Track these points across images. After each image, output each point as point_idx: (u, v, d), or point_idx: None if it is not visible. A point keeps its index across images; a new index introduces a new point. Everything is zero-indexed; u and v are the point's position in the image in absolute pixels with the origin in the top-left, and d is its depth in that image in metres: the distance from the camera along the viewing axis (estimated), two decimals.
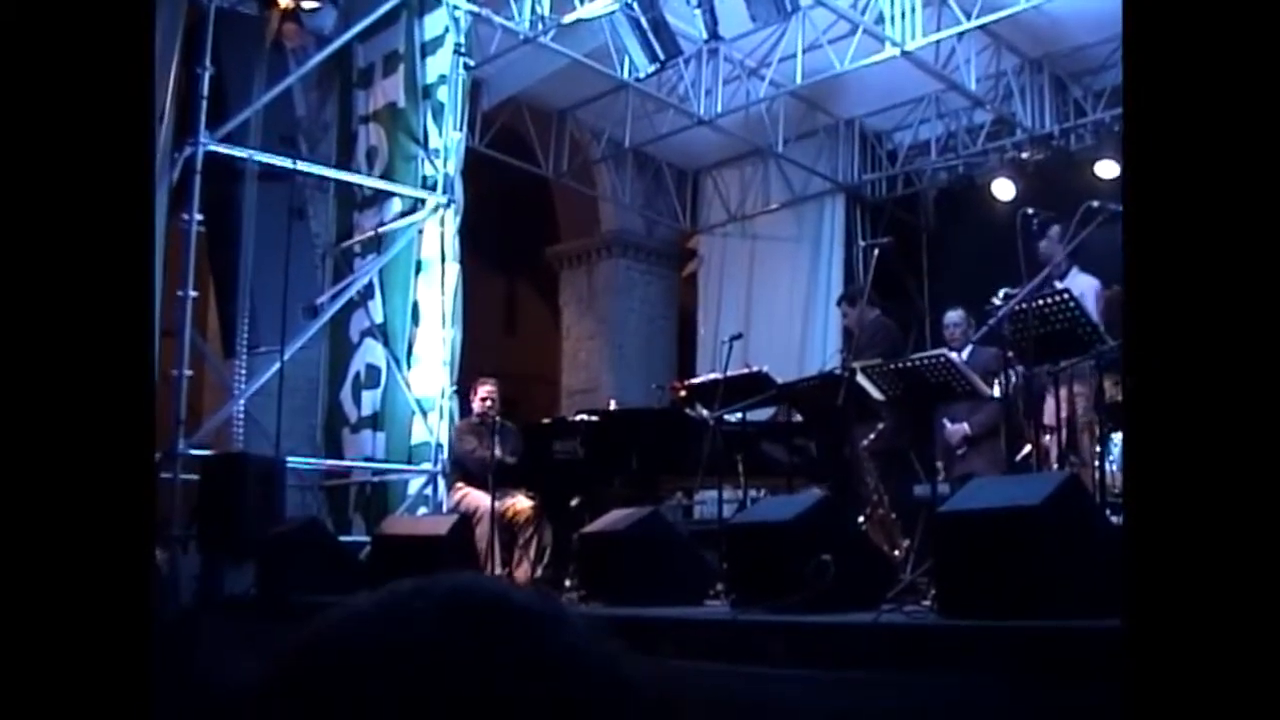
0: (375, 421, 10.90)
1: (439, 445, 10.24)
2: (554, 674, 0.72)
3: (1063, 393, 7.02)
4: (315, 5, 10.15)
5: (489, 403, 9.78)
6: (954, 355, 7.05)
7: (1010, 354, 6.73)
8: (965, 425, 8.29)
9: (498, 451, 9.27)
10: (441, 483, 10.14)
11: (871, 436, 8.07)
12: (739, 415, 8.12)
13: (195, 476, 8.79)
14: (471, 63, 10.99)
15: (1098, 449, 6.76)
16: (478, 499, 9.34)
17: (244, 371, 9.79)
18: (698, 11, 10.39)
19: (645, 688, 0.77)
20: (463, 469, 9.96)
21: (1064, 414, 7.15)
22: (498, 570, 8.73)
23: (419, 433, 10.43)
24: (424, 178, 10.69)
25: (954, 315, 8.80)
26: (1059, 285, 6.39)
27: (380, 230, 10.99)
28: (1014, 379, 7.14)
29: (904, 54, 11.18)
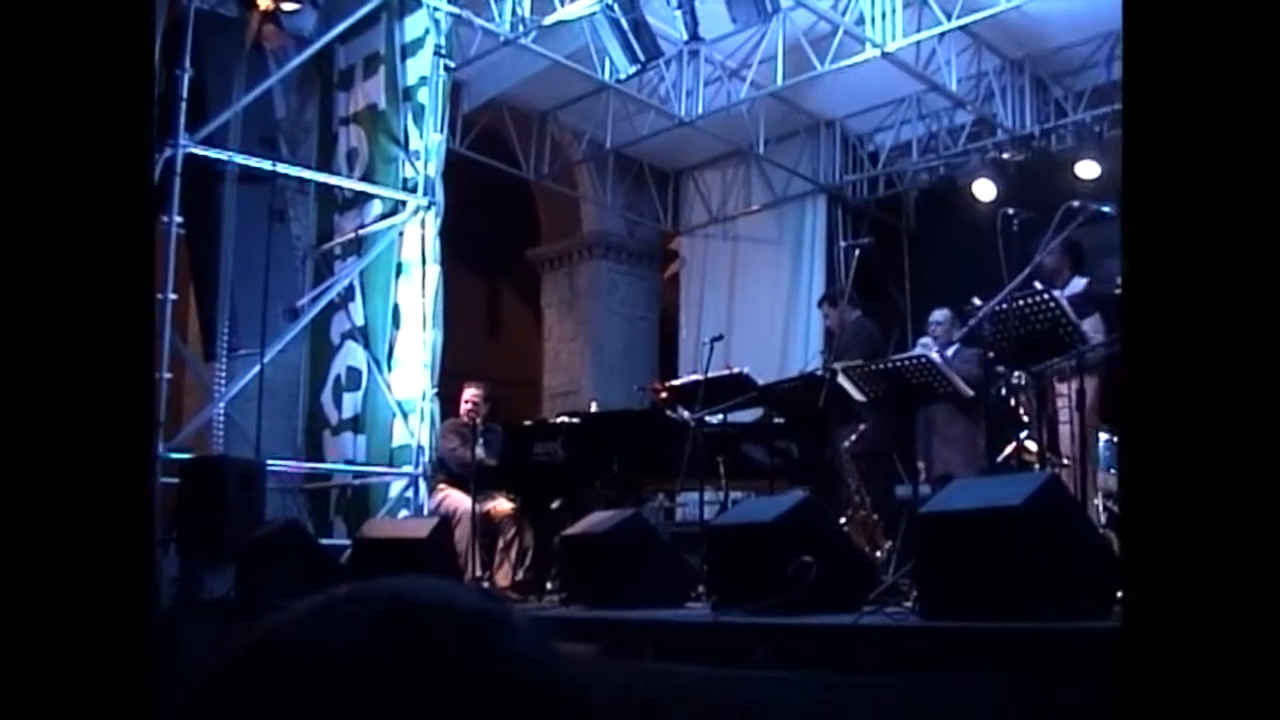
0: (356, 424, 10.86)
1: (420, 448, 10.21)
2: (491, 677, 0.71)
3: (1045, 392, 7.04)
4: (295, 7, 10.12)
5: (472, 405, 9.77)
6: (935, 355, 7.05)
7: (991, 354, 6.74)
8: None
9: (480, 453, 9.27)
10: (423, 485, 10.11)
11: (853, 438, 8.08)
12: (720, 417, 8.12)
13: (175, 480, 8.74)
14: (452, 64, 10.96)
15: (1078, 449, 6.76)
16: (458, 500, 9.33)
17: (224, 374, 9.75)
18: (678, 13, 10.38)
19: (587, 690, 0.76)
20: (446, 468, 9.95)
21: (1045, 414, 7.17)
22: (478, 572, 8.71)
23: (400, 435, 10.39)
24: (405, 180, 10.66)
25: (939, 314, 8.81)
26: (1059, 294, 6.38)
27: (361, 232, 10.95)
28: (1000, 379, 7.15)
29: (884, 55, 11.20)
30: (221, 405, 9.64)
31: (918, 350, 8.16)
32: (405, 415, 10.35)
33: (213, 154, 9.38)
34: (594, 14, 10.53)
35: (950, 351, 8.18)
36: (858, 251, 8.82)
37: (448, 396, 10.31)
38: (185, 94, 9.12)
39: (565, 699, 0.74)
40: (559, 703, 0.74)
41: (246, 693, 0.71)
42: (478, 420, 9.59)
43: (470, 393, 9.90)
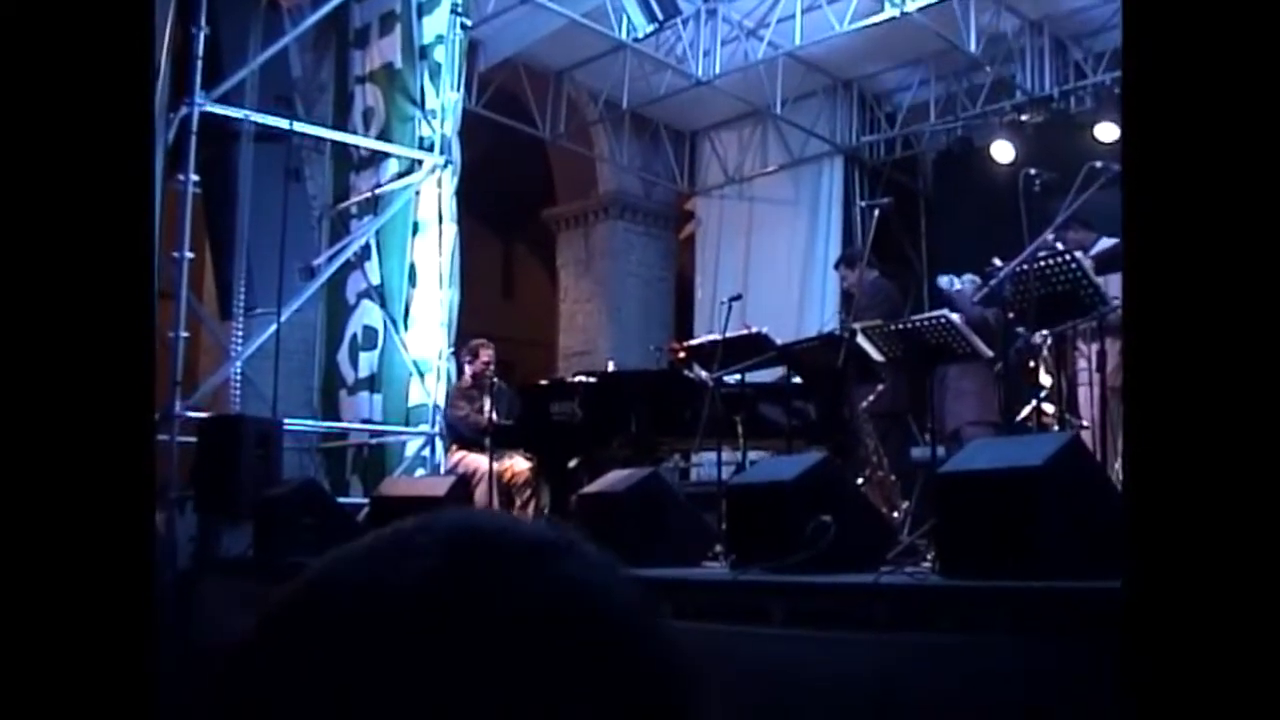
0: (372, 383, 10.87)
1: (436, 407, 10.23)
2: (555, 602, 0.71)
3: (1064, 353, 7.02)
4: None
5: (488, 365, 9.80)
6: (955, 316, 7.03)
7: (1011, 315, 6.71)
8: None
9: (494, 416, 9.28)
10: (439, 444, 10.14)
11: (871, 398, 8.06)
12: (738, 377, 8.11)
13: (192, 439, 8.78)
14: (469, 23, 10.93)
15: (1099, 411, 6.74)
16: (476, 461, 9.35)
17: (241, 333, 9.76)
18: None
19: (647, 616, 0.76)
20: (456, 434, 9.97)
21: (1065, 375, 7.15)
22: None
23: (416, 394, 10.41)
24: (421, 139, 10.64)
25: (945, 280, 8.75)
26: (1080, 255, 6.34)
27: (377, 191, 10.94)
28: (1017, 340, 7.13)
29: (903, 15, 11.13)
30: (238, 364, 9.65)
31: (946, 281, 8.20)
32: (421, 374, 10.36)
33: (229, 112, 9.36)
34: None
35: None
36: (876, 211, 8.78)
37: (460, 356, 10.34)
38: (201, 52, 9.09)
39: (630, 625, 0.74)
40: (622, 628, 0.73)
41: (304, 634, 0.71)
42: (493, 379, 9.62)
43: (485, 354, 9.94)
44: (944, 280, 8.49)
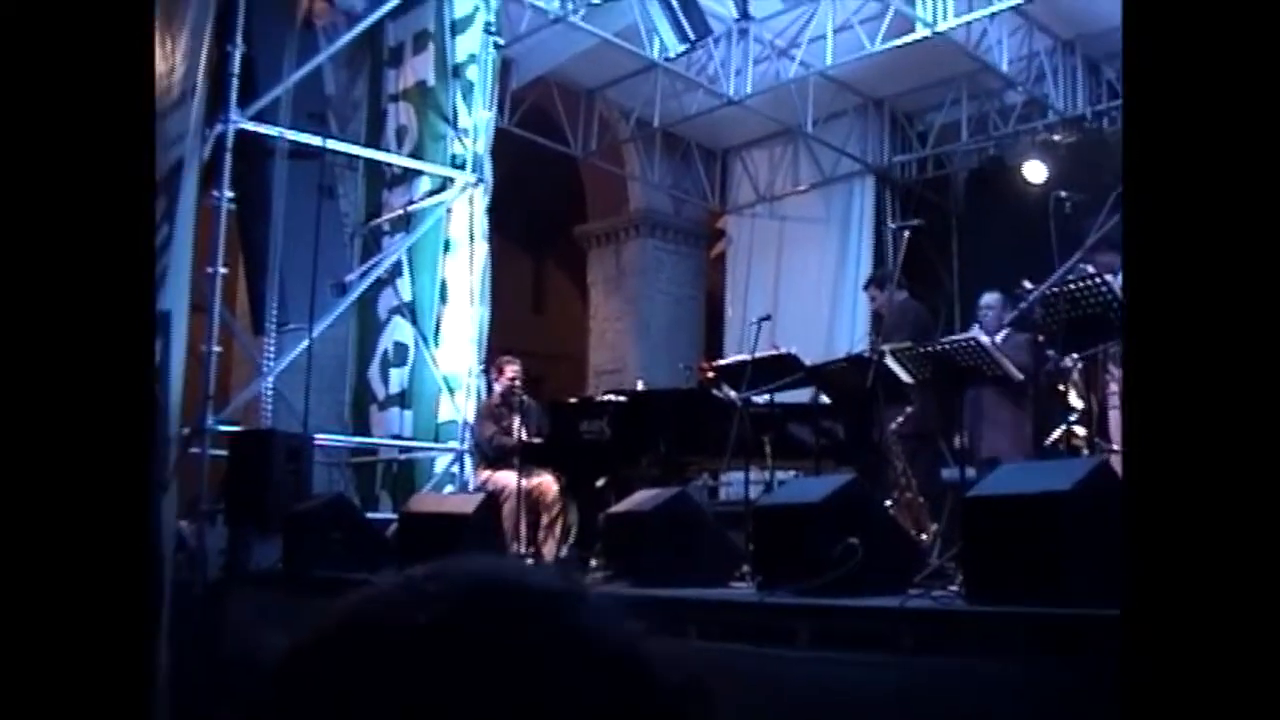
0: (403, 399, 10.92)
1: (466, 424, 10.26)
2: (570, 655, 0.72)
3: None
4: None
5: (515, 382, 9.83)
6: (984, 338, 7.02)
7: (1041, 338, 6.70)
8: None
9: (522, 433, 9.30)
10: (468, 461, 10.17)
11: (900, 419, 8.05)
12: (767, 396, 8.11)
13: (223, 452, 8.83)
14: (501, 42, 10.98)
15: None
16: (505, 479, 9.36)
17: (273, 348, 9.80)
18: None
19: (665, 668, 0.77)
20: (482, 454, 10.00)
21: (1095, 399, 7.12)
22: (522, 550, 8.74)
23: (446, 411, 10.44)
24: (453, 156, 10.69)
25: (990, 297, 8.75)
26: (1111, 278, 6.31)
27: (409, 209, 10.99)
28: (1050, 363, 7.10)
29: (935, 35, 11.13)
30: (270, 379, 9.70)
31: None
32: (451, 391, 10.40)
33: (264, 130, 9.41)
34: None
35: (1000, 336, 8.14)
36: (906, 233, 8.77)
37: (487, 372, 10.38)
38: (237, 71, 9.17)
39: (641, 675, 0.75)
40: (639, 683, 0.75)
41: (332, 672, 0.73)
42: (519, 395, 9.64)
43: (511, 369, 9.98)
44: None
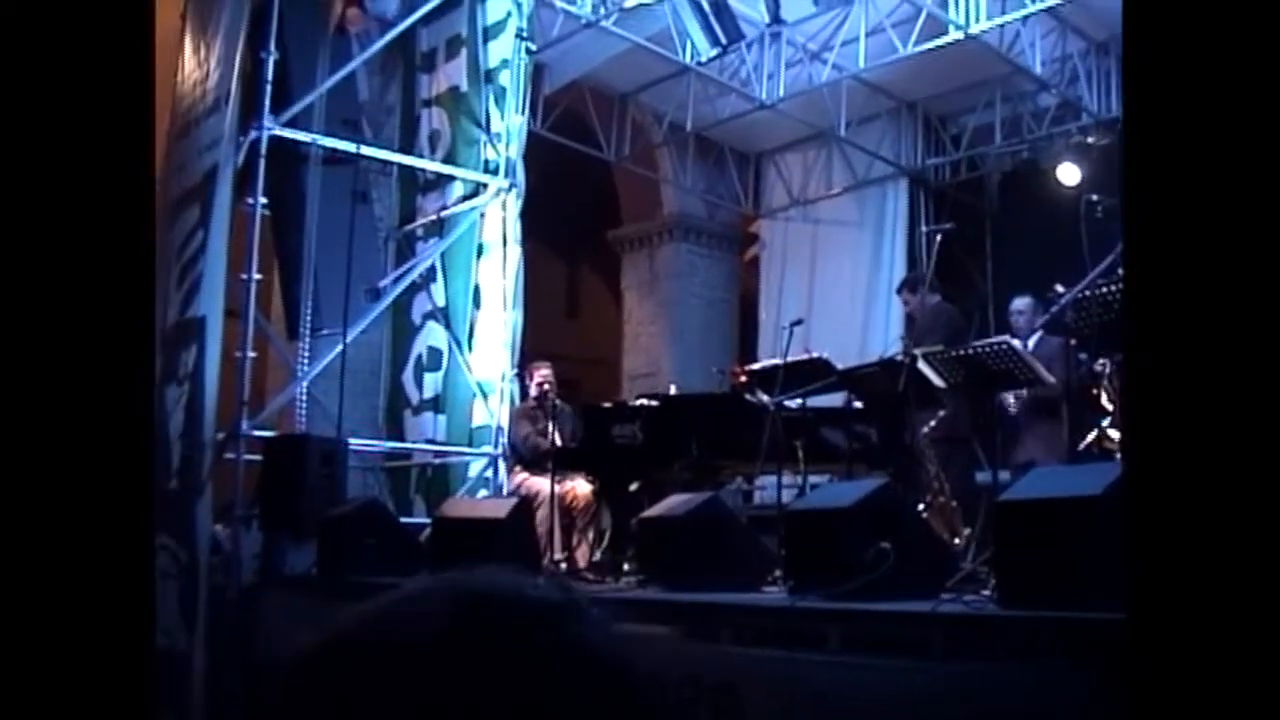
0: (437, 404, 10.95)
1: (499, 428, 10.29)
2: (566, 668, 0.73)
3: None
4: None
5: (546, 386, 9.85)
6: (1016, 342, 6.99)
7: (1074, 342, 6.66)
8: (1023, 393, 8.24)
9: (556, 438, 9.32)
10: (502, 466, 10.19)
11: (932, 423, 8.03)
12: (799, 401, 8.10)
13: (258, 457, 8.88)
14: (534, 46, 11.01)
15: None
16: (538, 483, 9.38)
17: (307, 353, 9.85)
18: None
19: (655, 679, 0.78)
20: (517, 454, 10.02)
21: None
22: (557, 554, 8.75)
23: (480, 415, 10.47)
24: (486, 161, 10.72)
25: (1021, 302, 8.73)
26: None
27: (442, 214, 11.02)
28: (1080, 367, 7.07)
29: (968, 37, 11.10)
30: (304, 384, 9.75)
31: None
32: (485, 395, 10.42)
33: (297, 136, 9.46)
34: None
35: (1033, 341, 8.12)
36: (938, 237, 8.75)
37: (521, 376, 10.40)
38: (270, 77, 9.22)
39: (633, 688, 0.76)
40: (628, 692, 0.75)
41: (327, 685, 0.74)
42: (552, 399, 9.66)
43: (541, 372, 10.00)
44: None
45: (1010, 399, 8.37)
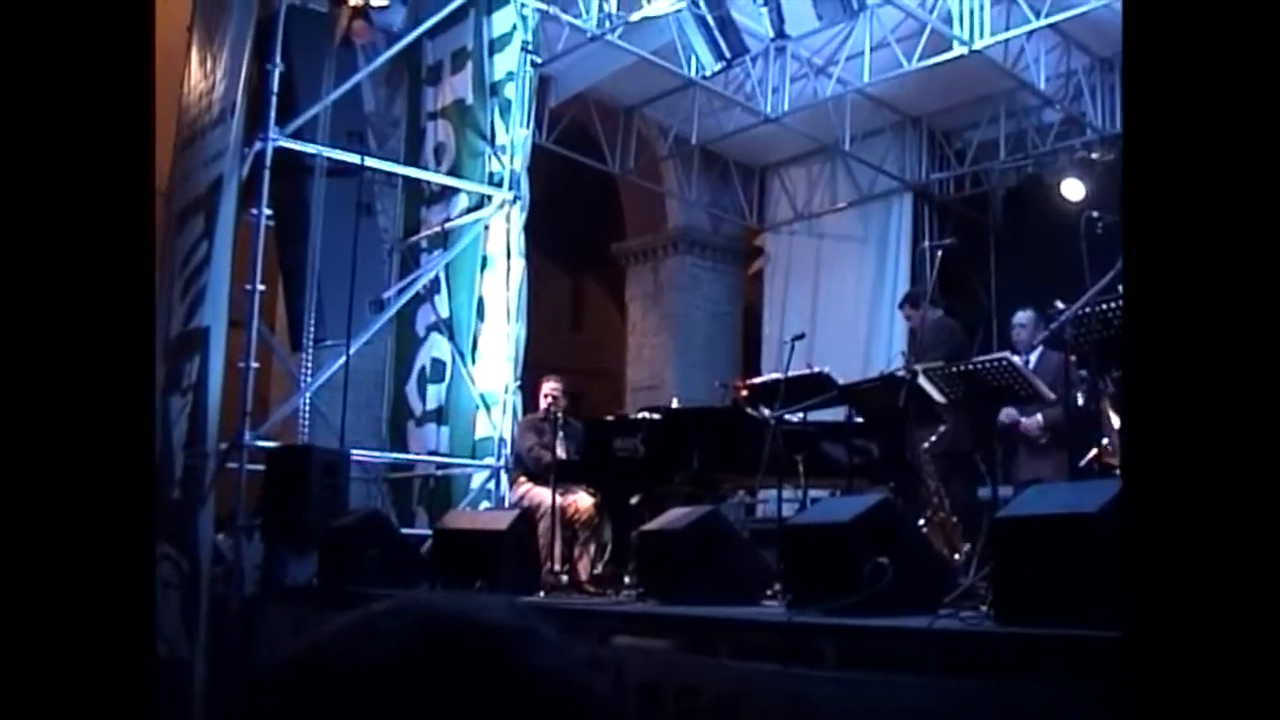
0: (440, 415, 10.97)
1: (502, 440, 10.30)
2: (513, 692, 0.74)
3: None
4: (384, 2, 10.21)
5: (553, 399, 9.86)
6: (1016, 359, 6.99)
7: (1074, 358, 6.67)
8: (1039, 416, 8.25)
9: (560, 451, 9.32)
10: (504, 478, 10.21)
11: (933, 439, 8.03)
12: (800, 415, 8.11)
13: (261, 467, 8.90)
14: (539, 60, 11.04)
15: None
16: (540, 495, 9.39)
17: (310, 364, 9.87)
18: (764, 10, 10.38)
19: (610, 705, 0.79)
20: (522, 465, 10.03)
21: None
22: (558, 566, 8.76)
23: (483, 427, 10.49)
24: (491, 174, 10.74)
25: (1023, 316, 8.73)
26: None
27: (447, 226, 11.05)
28: (1081, 383, 7.07)
29: (972, 52, 11.11)
30: (307, 395, 9.77)
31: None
32: (488, 407, 10.44)
33: (302, 147, 9.49)
34: (680, 10, 10.56)
35: (1034, 357, 8.13)
36: (939, 252, 8.76)
37: (530, 389, 10.40)
38: (275, 89, 9.26)
39: (585, 713, 0.77)
40: (580, 716, 0.76)
41: (287, 705, 0.75)
42: (558, 414, 9.65)
43: (550, 385, 9.98)
44: None
45: (1034, 424, 8.39)
